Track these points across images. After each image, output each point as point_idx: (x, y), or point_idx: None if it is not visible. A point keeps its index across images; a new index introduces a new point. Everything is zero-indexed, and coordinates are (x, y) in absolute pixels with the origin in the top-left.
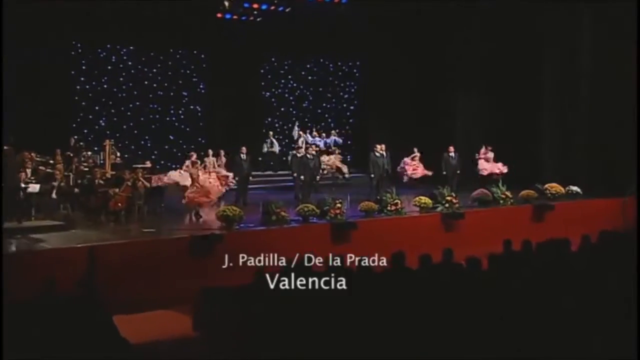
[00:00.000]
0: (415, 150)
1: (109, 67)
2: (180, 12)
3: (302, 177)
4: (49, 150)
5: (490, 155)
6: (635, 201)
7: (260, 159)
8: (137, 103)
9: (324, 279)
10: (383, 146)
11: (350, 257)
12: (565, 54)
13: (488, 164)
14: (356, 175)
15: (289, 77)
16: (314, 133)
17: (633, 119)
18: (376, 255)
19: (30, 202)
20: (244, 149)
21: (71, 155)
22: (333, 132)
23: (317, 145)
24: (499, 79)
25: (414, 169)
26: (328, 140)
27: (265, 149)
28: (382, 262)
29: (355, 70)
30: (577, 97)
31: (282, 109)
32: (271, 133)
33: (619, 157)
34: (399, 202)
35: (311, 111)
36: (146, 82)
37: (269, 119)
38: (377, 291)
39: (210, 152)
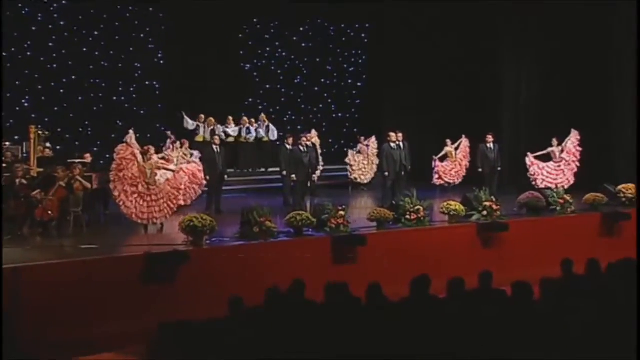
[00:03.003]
0: (448, 142)
1: (34, 28)
2: None
3: (293, 175)
4: None
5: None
6: None
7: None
8: (73, 77)
9: (321, 312)
10: (400, 135)
11: (357, 280)
12: None
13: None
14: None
15: (277, 44)
16: (229, 121)
17: None
18: (392, 279)
19: None
20: (216, 139)
21: None
22: (262, 115)
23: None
24: (556, 50)
25: (445, 172)
26: (250, 129)
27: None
28: (400, 288)
29: (363, 35)
30: None
31: (268, 87)
32: (263, 115)
33: None
34: (421, 208)
35: (305, 89)
36: (85, 49)
37: (250, 99)
38: (393, 327)
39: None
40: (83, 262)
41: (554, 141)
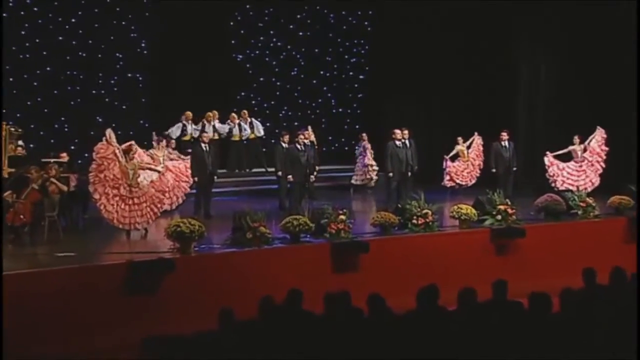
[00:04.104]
0: (460, 140)
1: (4, 15)
2: None
3: (289, 176)
4: None
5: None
6: None
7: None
8: (48, 68)
9: (320, 325)
10: (406, 132)
11: (359, 290)
12: None
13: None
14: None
15: (271, 32)
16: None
17: None
18: (397, 289)
19: None
20: (205, 136)
21: None
22: (244, 112)
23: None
24: (577, 41)
25: (456, 173)
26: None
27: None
28: (405, 300)
29: (366, 23)
30: None
31: (262, 79)
32: (245, 112)
33: None
34: (429, 212)
35: (303, 82)
36: (61, 38)
37: (243, 93)
38: (398, 341)
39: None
40: (59, 271)
41: (576, 139)
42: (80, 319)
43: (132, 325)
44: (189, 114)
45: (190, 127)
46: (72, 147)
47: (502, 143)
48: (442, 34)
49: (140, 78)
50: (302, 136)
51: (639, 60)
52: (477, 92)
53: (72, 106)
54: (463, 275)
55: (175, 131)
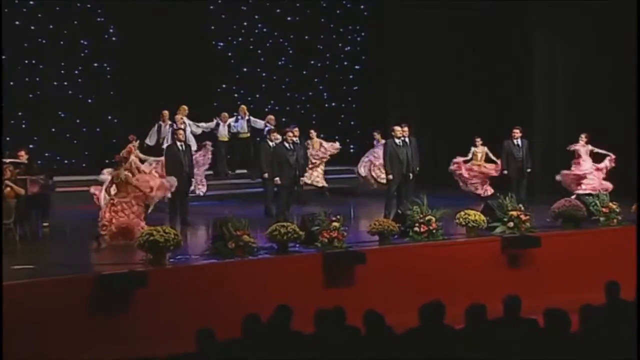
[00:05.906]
0: (479, 141)
1: None
2: None
3: (277, 178)
4: None
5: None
6: None
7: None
8: (3, 57)
9: (311, 345)
10: (406, 129)
11: (355, 306)
12: None
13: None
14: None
15: (256, 17)
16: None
17: None
18: (397, 305)
19: None
20: (180, 134)
21: None
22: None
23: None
24: (601, 24)
25: (474, 175)
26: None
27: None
28: (406, 317)
29: (362, 7)
30: None
31: (245, 70)
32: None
33: None
34: (432, 219)
35: (291, 73)
36: (18, 23)
37: (224, 85)
38: None
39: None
40: (14, 286)
41: (583, 137)
42: (39, 340)
43: (99, 347)
44: (165, 113)
45: (165, 128)
46: (31, 146)
47: (515, 141)
48: (449, 20)
49: (108, 68)
50: (291, 134)
51: (638, 67)
52: (487, 86)
53: (30, 100)
54: (471, 290)
55: (151, 137)
